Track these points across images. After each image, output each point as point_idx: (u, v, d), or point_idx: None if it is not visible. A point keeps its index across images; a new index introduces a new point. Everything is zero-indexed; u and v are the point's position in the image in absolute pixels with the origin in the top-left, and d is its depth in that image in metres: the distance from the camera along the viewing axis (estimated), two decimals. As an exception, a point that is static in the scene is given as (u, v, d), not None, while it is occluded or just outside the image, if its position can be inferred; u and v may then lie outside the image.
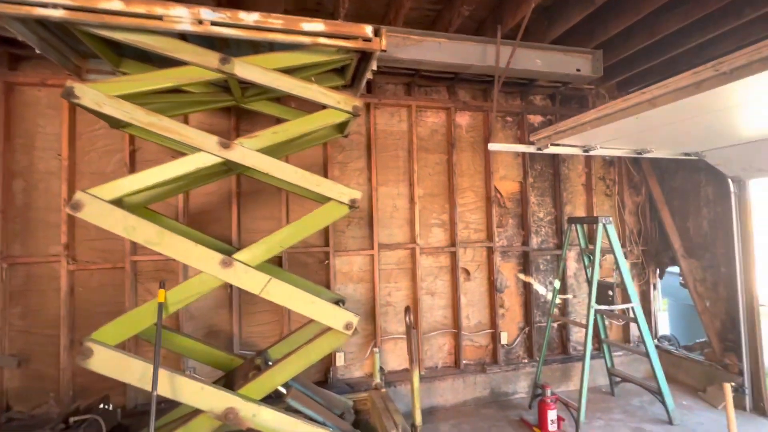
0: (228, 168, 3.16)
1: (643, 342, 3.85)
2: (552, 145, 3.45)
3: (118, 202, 2.36)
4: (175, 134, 2.39)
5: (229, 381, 2.92)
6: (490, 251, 4.54)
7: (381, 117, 4.35)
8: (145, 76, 2.55)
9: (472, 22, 3.75)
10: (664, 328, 5.85)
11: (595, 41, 3.68)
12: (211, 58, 2.47)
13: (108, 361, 2.19)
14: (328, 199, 2.69)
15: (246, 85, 3.09)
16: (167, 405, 2.83)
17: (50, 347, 3.43)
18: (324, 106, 2.77)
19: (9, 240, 3.40)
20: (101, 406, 3.01)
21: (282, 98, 3.81)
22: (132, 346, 3.52)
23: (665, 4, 3.10)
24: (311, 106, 3.91)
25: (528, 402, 4.17)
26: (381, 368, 3.95)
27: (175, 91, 3.02)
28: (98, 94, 2.30)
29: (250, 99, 3.19)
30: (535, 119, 4.84)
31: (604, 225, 3.75)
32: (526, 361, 4.57)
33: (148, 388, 2.21)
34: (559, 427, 3.62)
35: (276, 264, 3.88)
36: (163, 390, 2.26)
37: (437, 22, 3.61)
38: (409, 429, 2.93)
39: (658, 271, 5.14)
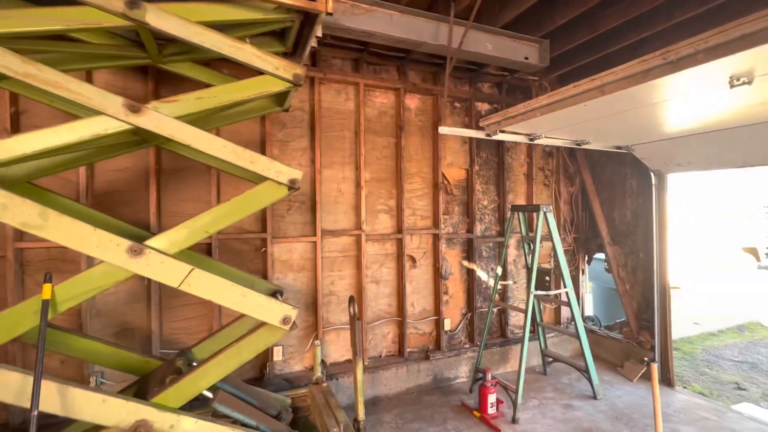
0: (141, 139, 2.67)
1: (575, 324, 4.07)
2: (500, 131, 3.43)
3: (-14, 174, 1.85)
4: (62, 90, 1.91)
5: (142, 388, 2.51)
6: (436, 238, 4.50)
7: (326, 94, 4.03)
8: (24, 12, 2.00)
9: (425, -2, 3.56)
10: (588, 309, 6.34)
11: (543, 30, 3.70)
12: (115, -1, 1.99)
13: (-31, 375, 1.71)
14: (264, 178, 2.37)
15: (163, 41, 2.61)
16: (61, 417, 2.37)
17: None
18: (260, 72, 2.43)
19: None
20: (-28, 426, 2.45)
21: (212, 62, 3.35)
22: (18, 352, 2.92)
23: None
24: (248, 74, 3.53)
25: (469, 386, 4.24)
26: (322, 361, 3.74)
27: (67, 39, 2.46)
28: (-52, 30, 1.74)
29: (169, 59, 2.71)
30: (483, 107, 4.85)
31: (544, 213, 3.86)
32: (467, 346, 4.65)
33: (28, 405, 1.78)
34: (497, 409, 3.72)
35: (204, 252, 3.46)
36: (51, 406, 1.84)
37: (389, -7, 3.37)
38: (351, 425, 2.78)
39: (586, 257, 5.50)
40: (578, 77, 4.79)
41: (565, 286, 4.04)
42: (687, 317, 7.36)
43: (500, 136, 3.54)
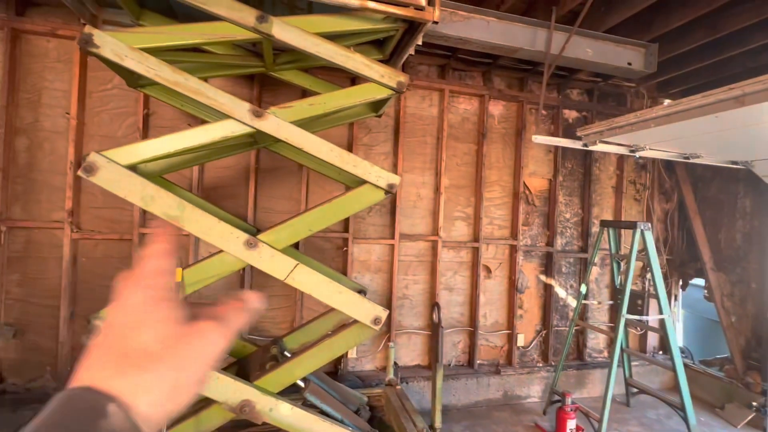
0: (253, 140, 2.91)
1: (670, 355, 3.69)
2: (600, 142, 3.22)
3: (133, 169, 2.13)
4: (203, 97, 2.14)
5: (242, 370, 2.73)
6: (513, 249, 4.35)
7: (411, 99, 4.08)
8: (172, 29, 2.28)
9: (522, 3, 3.47)
10: (679, 340, 5.73)
11: (652, 34, 3.42)
12: (248, 15, 2.20)
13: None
14: (363, 182, 2.46)
15: (278, 51, 2.82)
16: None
17: (49, 319, 3.22)
18: (354, 80, 2.53)
19: (9, 202, 3.15)
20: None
21: (310, 69, 3.56)
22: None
23: (739, -4, 2.86)
24: (339, 80, 3.71)
25: (543, 407, 4.03)
26: (395, 363, 3.78)
27: (196, 50, 2.76)
28: (120, 45, 2.04)
29: (281, 66, 2.93)
30: (570, 114, 4.60)
31: (642, 231, 3.55)
32: (540, 365, 4.43)
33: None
34: (576, 436, 3.49)
35: (293, 247, 3.66)
36: (176, 377, 2.06)
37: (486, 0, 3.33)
38: (428, 431, 2.77)
39: (680, 282, 4.97)
40: (682, 84, 4.43)
41: (661, 312, 3.68)
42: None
43: (599, 147, 3.32)
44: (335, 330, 2.59)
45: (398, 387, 3.34)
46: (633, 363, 4.48)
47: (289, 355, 2.68)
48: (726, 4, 2.95)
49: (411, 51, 2.85)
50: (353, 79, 3.81)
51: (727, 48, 3.53)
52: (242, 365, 2.77)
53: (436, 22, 2.48)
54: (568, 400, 3.48)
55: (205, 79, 3.46)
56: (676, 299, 5.02)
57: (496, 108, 4.34)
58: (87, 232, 3.29)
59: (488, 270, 4.32)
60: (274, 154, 3.20)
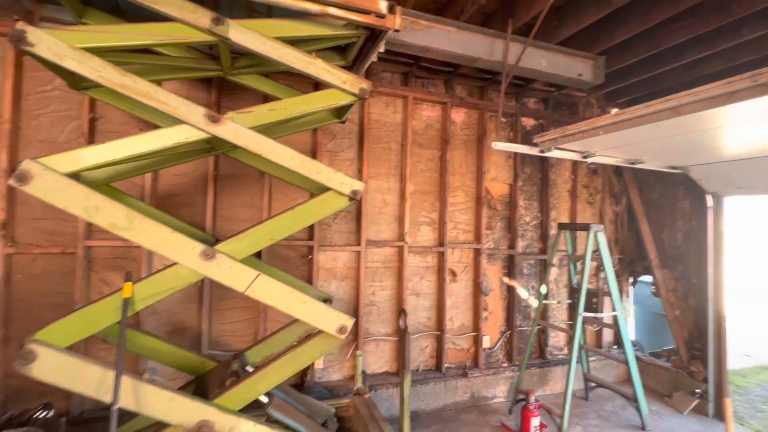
0: (210, 147, 2.79)
1: (623, 349, 3.91)
2: (555, 148, 3.38)
3: (76, 177, 1.97)
4: (153, 101, 2.03)
5: (200, 388, 2.58)
6: (478, 253, 4.45)
7: (375, 106, 4.10)
8: (119, 28, 2.14)
9: (480, 14, 3.59)
10: (631, 334, 6.08)
11: (599, 47, 3.65)
12: (202, 16, 2.11)
13: (57, 367, 1.81)
14: (326, 188, 2.42)
15: (236, 54, 2.73)
16: (121, 411, 2.45)
17: (-23, 343, 2.90)
18: (317, 86, 2.51)
19: (-72, 214, 2.82)
20: (41, 414, 2.57)
21: (270, 74, 3.48)
22: (80, 344, 3.06)
23: (673, 16, 3.10)
24: (301, 85, 3.66)
25: (508, 407, 4.12)
26: (363, 371, 3.73)
27: (147, 52, 2.62)
28: (59, 44, 1.89)
29: (239, 71, 2.84)
30: (528, 122, 4.80)
31: (595, 233, 3.75)
32: (506, 365, 4.54)
33: (107, 398, 1.86)
34: (540, 433, 3.59)
35: (254, 257, 3.54)
36: (125, 401, 1.92)
37: (447, 9, 3.42)
38: (397, 440, 2.75)
39: (631, 280, 5.29)
40: (626, 94, 4.75)
41: (614, 309, 3.90)
42: (737, 348, 6.91)
43: (554, 153, 3.49)
44: (300, 341, 2.52)
45: (366, 396, 3.30)
46: (591, 358, 4.70)
47: (251, 369, 2.57)
48: (661, 23, 3.20)
49: (374, 58, 2.86)
50: (316, 84, 3.77)
51: (665, 62, 3.82)
52: (201, 383, 2.63)
53: (397, 31, 2.50)
54: (532, 399, 3.58)
55: (158, 82, 3.31)
56: (627, 296, 5.34)
57: (458, 115, 4.45)
58: (23, 246, 3.00)
59: (454, 274, 4.39)
60: (234, 160, 3.09)
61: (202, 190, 3.48)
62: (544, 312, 4.81)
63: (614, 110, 5.03)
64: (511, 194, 4.67)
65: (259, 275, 2.18)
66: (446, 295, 4.28)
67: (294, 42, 2.45)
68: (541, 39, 3.54)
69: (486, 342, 4.47)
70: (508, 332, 4.61)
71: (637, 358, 4.93)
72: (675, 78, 4.17)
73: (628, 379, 3.98)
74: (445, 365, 4.26)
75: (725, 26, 3.25)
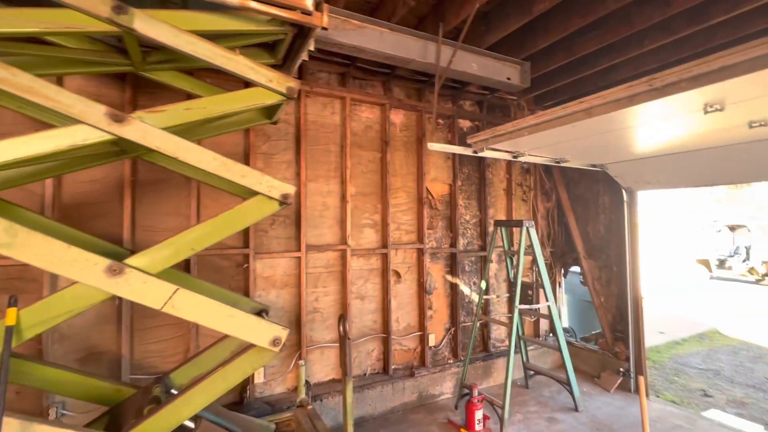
0: (120, 149, 2.51)
1: (556, 337, 4.16)
2: (487, 149, 3.51)
3: (-57, 186, 1.66)
4: (39, 97, 1.77)
5: (114, 419, 2.31)
6: (421, 253, 4.50)
7: (312, 107, 3.99)
8: (1, 13, 1.85)
9: (413, 17, 3.63)
10: (564, 321, 6.51)
11: (525, 53, 3.85)
12: (101, 3, 1.88)
13: None
14: (255, 193, 2.28)
15: (148, 48, 2.49)
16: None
17: None
18: (248, 84, 2.36)
19: None
20: None
21: (195, 71, 3.24)
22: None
23: (586, 26, 3.35)
24: (231, 84, 3.45)
25: (454, 402, 4.21)
26: (306, 382, 3.59)
27: (41, 42, 2.30)
28: None
29: (153, 66, 2.59)
30: (465, 123, 4.96)
31: (527, 228, 3.95)
32: (451, 361, 4.63)
33: (-15, 447, 1.58)
34: (484, 425, 3.70)
35: (183, 269, 3.27)
36: (11, 447, 1.64)
37: (379, 10, 3.41)
38: (341, 450, 2.66)
39: (562, 271, 5.67)
40: (554, 98, 5.07)
41: (546, 300, 4.13)
42: (653, 327, 7.71)
43: (486, 153, 3.62)
44: (232, 357, 2.35)
45: (310, 407, 3.17)
46: (529, 348, 4.95)
47: (175, 392, 2.35)
48: (577, 32, 3.45)
49: (304, 56, 2.76)
50: (248, 84, 3.58)
51: (582, 68, 4.14)
52: (115, 414, 2.35)
53: (325, 29, 2.43)
54: (475, 392, 3.68)
55: (59, 77, 2.95)
56: (560, 286, 5.71)
57: (397, 117, 4.47)
58: None
59: (398, 275, 4.40)
60: (154, 164, 2.82)
61: (118, 198, 3.15)
62: (485, 307, 4.99)
63: (540, 113, 5.37)
64: (451, 194, 4.79)
65: (177, 290, 1.99)
66: (391, 297, 4.27)
67: (215, 37, 2.29)
68: (472, 43, 3.66)
69: (432, 340, 4.54)
70: (453, 329, 4.71)
71: (570, 344, 5.30)
72: (593, 83, 4.53)
73: (563, 364, 4.24)
74: (393, 367, 4.25)
75: (631, 37, 3.58)
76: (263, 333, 2.22)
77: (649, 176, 4.15)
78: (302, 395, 3.34)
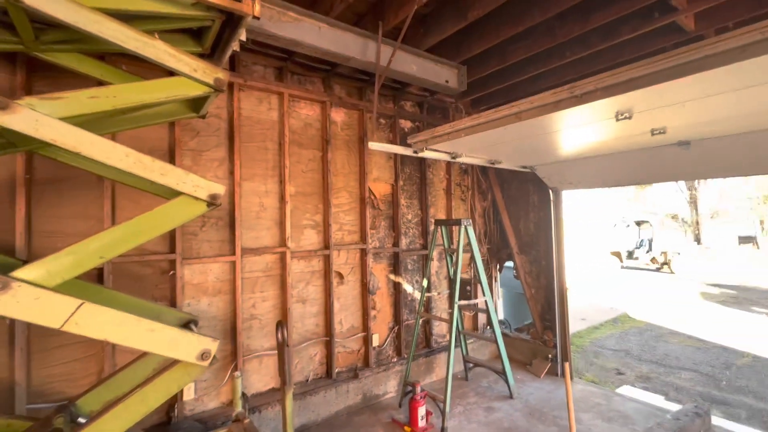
0: (8, 142, 2.14)
1: (493, 330, 4.37)
2: (427, 149, 3.57)
3: None
4: None
5: (3, 460, 1.96)
6: (364, 253, 4.46)
7: (247, 101, 3.76)
8: None
9: (352, 14, 3.57)
10: (500, 314, 6.90)
11: (461, 58, 3.98)
12: (-27, -35, 1.57)
13: None
14: (178, 193, 2.07)
15: (43, 25, 2.15)
16: None
17: None
18: (172, 73, 2.14)
19: None
20: None
21: (107, 56, 2.88)
22: None
23: (516, 35, 3.55)
24: (153, 73, 3.12)
25: (398, 401, 4.24)
26: (243, 394, 3.38)
27: None
28: None
29: (49, 47, 2.24)
30: (406, 124, 5.02)
31: (465, 227, 4.10)
32: (395, 360, 4.66)
33: None
34: (427, 421, 3.77)
35: (95, 279, 2.89)
36: None
37: (316, 4, 3.30)
38: (280, 463, 2.53)
39: (498, 266, 5.99)
40: (489, 102, 5.33)
41: (484, 295, 4.33)
42: (575, 315, 8.49)
43: (426, 154, 3.69)
44: (153, 375, 2.11)
45: (247, 421, 2.98)
46: (468, 341, 5.16)
47: (83, 421, 2.06)
48: (508, 39, 3.64)
49: (235, 47, 2.57)
50: (171, 74, 3.27)
51: (513, 75, 4.38)
52: (4, 454, 1.99)
53: (257, 18, 2.28)
54: (418, 389, 3.73)
55: None
56: (496, 281, 6.03)
57: (338, 115, 4.38)
58: None
59: (341, 276, 4.32)
60: (57, 161, 2.44)
61: (8, 199, 2.69)
62: (427, 304, 5.10)
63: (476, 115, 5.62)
64: (393, 194, 4.82)
65: (82, 305, 1.73)
66: (334, 299, 4.18)
67: (131, 18, 2.04)
68: (411, 45, 3.70)
69: (375, 340, 4.53)
70: (396, 327, 4.75)
71: (505, 335, 5.61)
72: (523, 89, 4.82)
73: (499, 355, 4.47)
74: (336, 370, 4.16)
75: (554, 48, 3.86)
76: (189, 347, 2.02)
77: (571, 177, 4.53)
78: (239, 408, 3.13)
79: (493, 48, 3.86)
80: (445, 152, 3.84)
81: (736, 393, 4.80)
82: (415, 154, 3.74)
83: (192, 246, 3.39)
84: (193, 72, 2.15)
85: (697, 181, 22.63)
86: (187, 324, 2.66)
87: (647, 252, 16.70)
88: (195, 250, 3.40)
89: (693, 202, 25.07)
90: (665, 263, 16.01)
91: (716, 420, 3.85)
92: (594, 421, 3.84)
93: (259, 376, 3.74)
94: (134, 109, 2.16)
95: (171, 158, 3.29)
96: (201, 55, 2.68)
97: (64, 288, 1.76)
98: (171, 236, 3.27)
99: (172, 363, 2.06)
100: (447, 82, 4.00)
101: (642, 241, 17.19)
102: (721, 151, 3.08)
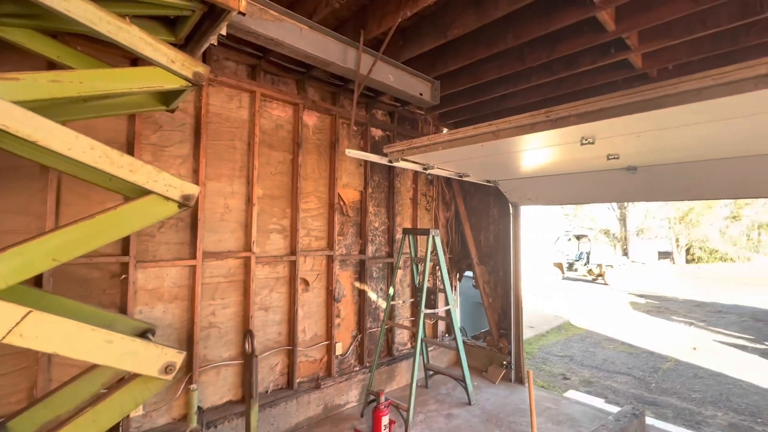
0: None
1: (454, 338, 4.49)
2: (402, 159, 3.61)
3: None
4: None
5: None
6: (330, 260, 4.39)
7: (216, 97, 3.57)
8: None
9: (334, 19, 3.55)
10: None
11: (436, 72, 4.10)
12: None
13: None
14: (147, 192, 1.91)
15: (-7, -5, 1.90)
16: None
17: None
18: (137, 62, 1.99)
19: None
20: None
21: (59, 34, 2.61)
22: None
23: (490, 56, 3.74)
24: (109, 57, 2.88)
25: (360, 410, 4.19)
26: (199, 407, 3.17)
27: None
28: None
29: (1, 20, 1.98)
30: (377, 132, 5.05)
31: (433, 237, 4.19)
32: (357, 368, 4.61)
33: None
34: (390, 430, 3.76)
35: (32, 283, 2.56)
36: None
37: (298, 6, 3.23)
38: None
39: (458, 275, 6.18)
40: (456, 117, 5.53)
41: (447, 303, 4.43)
42: (525, 323, 8.96)
43: (401, 164, 3.73)
44: (106, 392, 1.91)
45: (204, 437, 2.79)
46: (430, 349, 5.25)
47: (18, 447, 1.80)
48: (480, 60, 3.82)
49: (213, 41, 2.44)
50: (135, 61, 3.03)
51: (482, 93, 4.59)
52: None
53: (242, 14, 2.19)
54: (382, 399, 3.72)
55: None
56: (455, 290, 6.21)
57: (310, 118, 4.31)
58: None
59: (306, 283, 4.21)
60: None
61: (-73, 188, 2.32)
62: (391, 312, 5.11)
63: (445, 130, 5.80)
64: (362, 201, 4.81)
65: (29, 313, 1.53)
66: (298, 306, 4.06)
67: (97, -3, 1.87)
68: (388, 56, 3.74)
69: (339, 349, 4.45)
70: (360, 336, 4.71)
71: (463, 343, 5.78)
72: (489, 108, 5.07)
73: (458, 362, 4.58)
74: (297, 380, 4.03)
75: (522, 72, 4.11)
76: (152, 359, 1.86)
77: (531, 193, 4.82)
78: (193, 424, 2.94)
79: (467, 66, 4.03)
80: (419, 163, 3.92)
81: (663, 394, 5.33)
82: (390, 164, 3.77)
83: (148, 248, 3.13)
84: (170, 63, 2.01)
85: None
86: (144, 333, 2.44)
87: (585, 264, 18.12)
88: (151, 253, 3.15)
89: (622, 220, 27.72)
90: (600, 275, 17.46)
91: (650, 420, 4.25)
92: (546, 424, 4.06)
93: (216, 388, 3.52)
94: (99, 97, 1.96)
95: (129, 152, 3.02)
96: (174, 45, 2.52)
97: (5, 294, 1.55)
98: (125, 237, 2.99)
99: (131, 377, 1.88)
100: (421, 95, 4.09)
101: (581, 253, 18.62)
102: (664, 177, 3.45)
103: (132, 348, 1.81)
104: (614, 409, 4.50)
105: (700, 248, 26.80)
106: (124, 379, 1.95)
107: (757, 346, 7.61)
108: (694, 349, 7.41)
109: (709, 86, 1.73)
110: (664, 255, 27.55)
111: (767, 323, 9.52)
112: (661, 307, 11.75)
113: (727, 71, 1.67)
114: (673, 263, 26.41)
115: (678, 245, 27.11)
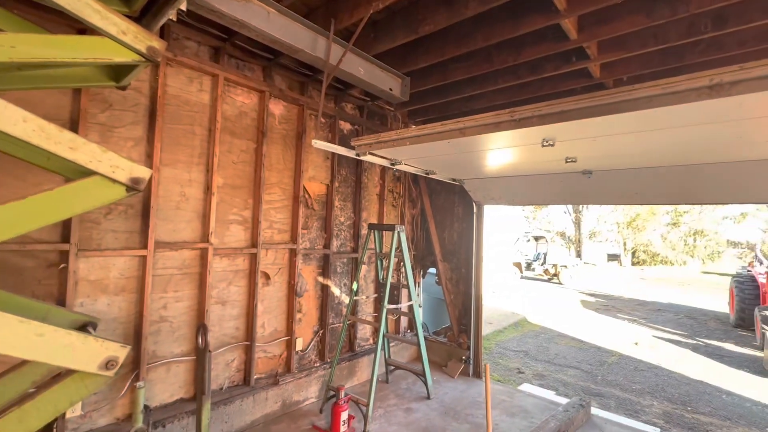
0: None
1: (417, 334, 4.53)
2: (370, 153, 3.58)
3: None
4: None
5: None
6: (293, 253, 4.29)
7: (175, 78, 3.37)
8: None
9: (303, 6, 3.44)
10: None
11: (406, 69, 4.10)
12: None
13: None
14: (90, 173, 1.76)
15: None
16: None
17: None
18: (83, 31, 1.83)
19: None
20: None
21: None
22: None
23: (459, 56, 3.79)
24: (51, 24, 2.64)
25: (319, 406, 4.14)
26: (146, 406, 2.98)
27: None
28: None
29: None
30: (345, 126, 4.98)
31: (398, 233, 4.20)
32: (318, 364, 4.55)
33: None
34: (349, 425, 3.74)
35: (-50, 270, 2.30)
36: None
37: (266, -12, 3.10)
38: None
39: (422, 272, 6.25)
40: (424, 115, 5.57)
41: (410, 299, 4.47)
42: (483, 319, 9.25)
43: (368, 158, 3.70)
44: (40, 388, 1.75)
45: (150, 437, 2.63)
46: (391, 344, 5.27)
47: (-74, 453, 1.60)
48: (449, 59, 3.87)
49: (171, 16, 2.29)
50: (83, 31, 2.79)
51: (450, 93, 4.66)
52: None
53: (204, -12, 2.06)
54: (342, 394, 3.69)
55: None
56: (419, 286, 6.28)
57: (277, 107, 4.17)
58: None
59: (267, 277, 4.09)
60: None
61: None
62: (354, 307, 5.09)
63: (413, 126, 5.83)
64: (328, 194, 4.73)
65: (-57, 302, 1.36)
66: (258, 301, 3.93)
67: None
68: (359, 48, 3.70)
69: (299, 344, 4.37)
70: (321, 331, 4.64)
71: (425, 338, 5.86)
72: (457, 108, 5.15)
73: (418, 357, 4.64)
74: (255, 377, 3.91)
75: (489, 74, 4.20)
76: (90, 354, 1.72)
77: (494, 193, 4.96)
78: (138, 424, 2.76)
79: (437, 65, 4.06)
80: (386, 158, 3.91)
81: (607, 386, 5.70)
82: (357, 157, 3.73)
83: (92, 236, 2.90)
84: (120, 34, 1.85)
85: (582, 205, 26.57)
86: (84, 326, 2.25)
87: (542, 264, 18.99)
88: (96, 241, 2.92)
89: (577, 224, 29.32)
90: (555, 275, 18.37)
91: (594, 410, 4.51)
92: (501, 416, 4.20)
93: (165, 386, 3.33)
94: (36, 65, 1.78)
95: (73, 131, 2.78)
96: (127, 17, 2.33)
97: None
98: (65, 223, 2.76)
99: (66, 373, 1.73)
100: (391, 90, 4.08)
101: (539, 254, 19.48)
102: (615, 182, 3.67)
103: (67, 342, 1.67)
104: (564, 400, 4.74)
105: (644, 252, 28.93)
106: (57, 377, 1.79)
107: (689, 341, 8.33)
108: (636, 344, 7.98)
109: (659, 94, 1.85)
110: (613, 257, 29.45)
111: (698, 321, 10.45)
112: (609, 305, 12.56)
113: (674, 81, 1.78)
114: (621, 265, 28.29)
115: (625, 249, 29.07)
